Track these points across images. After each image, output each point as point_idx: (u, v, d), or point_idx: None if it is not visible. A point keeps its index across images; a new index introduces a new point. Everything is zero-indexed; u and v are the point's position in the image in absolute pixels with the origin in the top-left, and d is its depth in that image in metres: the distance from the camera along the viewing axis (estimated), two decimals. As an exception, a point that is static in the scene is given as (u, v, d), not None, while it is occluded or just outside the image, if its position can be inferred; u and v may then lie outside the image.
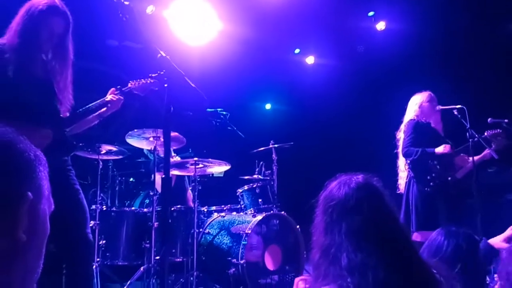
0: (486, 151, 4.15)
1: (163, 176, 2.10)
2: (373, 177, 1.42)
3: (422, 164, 4.09)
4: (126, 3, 2.41)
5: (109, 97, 2.96)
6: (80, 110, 2.89)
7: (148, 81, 3.07)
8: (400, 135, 4.36)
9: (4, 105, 2.46)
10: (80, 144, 4.05)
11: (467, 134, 4.06)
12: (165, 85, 2.36)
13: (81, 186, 2.84)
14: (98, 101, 2.93)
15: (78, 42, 2.84)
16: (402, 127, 4.35)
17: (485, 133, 4.12)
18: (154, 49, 2.43)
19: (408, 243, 1.34)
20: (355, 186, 1.35)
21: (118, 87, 3.04)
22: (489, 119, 4.12)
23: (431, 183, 4.03)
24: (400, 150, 4.30)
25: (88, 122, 2.97)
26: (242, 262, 4.02)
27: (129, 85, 3.10)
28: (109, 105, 2.93)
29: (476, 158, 4.06)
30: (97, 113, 2.94)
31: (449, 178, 4.11)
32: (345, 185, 1.35)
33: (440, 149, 4.05)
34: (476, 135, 4.04)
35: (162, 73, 2.39)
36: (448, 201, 4.09)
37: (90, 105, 2.91)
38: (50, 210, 0.84)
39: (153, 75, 2.88)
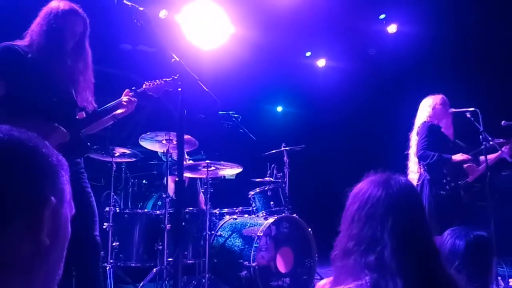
0: (500, 153, 4.11)
1: (177, 179, 2.11)
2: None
3: (438, 168, 4.07)
4: (141, 8, 2.43)
5: (124, 98, 2.99)
6: (96, 111, 2.93)
7: (163, 82, 3.10)
8: (413, 135, 4.33)
9: (21, 103, 2.50)
10: (95, 147, 4.10)
11: (481, 137, 4.02)
12: (179, 89, 2.38)
13: (95, 188, 2.86)
14: (113, 102, 2.96)
15: (92, 47, 2.89)
16: (415, 128, 4.31)
17: (491, 143, 4.08)
18: (168, 53, 2.45)
19: (438, 258, 1.28)
20: (403, 185, 1.30)
21: (133, 88, 3.05)
22: (502, 122, 4.08)
23: (447, 186, 4.01)
24: (411, 151, 4.27)
25: (102, 123, 3.00)
26: (253, 264, 4.03)
27: (144, 86, 3.13)
28: (124, 108, 2.96)
29: (491, 157, 4.03)
30: (112, 114, 2.97)
31: (460, 182, 4.09)
32: (387, 183, 1.30)
33: (457, 157, 4.03)
34: (490, 139, 4.01)
35: (176, 77, 2.40)
36: (460, 205, 4.06)
37: (105, 106, 2.95)
38: (71, 214, 0.86)
39: (167, 79, 2.92)
